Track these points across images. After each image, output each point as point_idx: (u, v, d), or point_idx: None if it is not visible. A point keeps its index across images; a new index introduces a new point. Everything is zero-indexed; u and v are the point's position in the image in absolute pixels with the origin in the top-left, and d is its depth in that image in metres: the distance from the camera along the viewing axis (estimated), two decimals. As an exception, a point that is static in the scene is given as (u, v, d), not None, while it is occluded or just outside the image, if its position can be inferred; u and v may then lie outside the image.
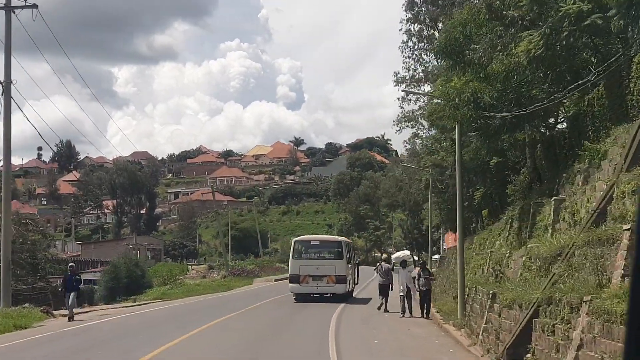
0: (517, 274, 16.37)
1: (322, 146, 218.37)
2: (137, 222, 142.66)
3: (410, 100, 57.30)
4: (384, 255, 39.14)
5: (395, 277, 28.63)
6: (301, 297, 32.08)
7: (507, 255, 18.87)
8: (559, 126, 24.10)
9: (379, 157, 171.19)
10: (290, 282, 33.16)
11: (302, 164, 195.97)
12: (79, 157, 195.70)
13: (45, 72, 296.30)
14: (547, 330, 11.52)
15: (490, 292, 15.82)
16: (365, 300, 33.83)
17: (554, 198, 16.62)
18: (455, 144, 37.53)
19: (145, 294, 44.63)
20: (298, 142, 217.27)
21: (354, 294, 36.22)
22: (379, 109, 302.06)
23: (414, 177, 69.16)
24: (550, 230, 16.35)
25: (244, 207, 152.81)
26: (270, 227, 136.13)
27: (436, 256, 47.64)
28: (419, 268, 25.93)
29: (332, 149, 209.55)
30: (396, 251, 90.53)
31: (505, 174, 29.93)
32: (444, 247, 60.84)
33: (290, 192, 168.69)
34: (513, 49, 18.37)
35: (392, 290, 27.52)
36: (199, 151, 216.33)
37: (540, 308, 12.00)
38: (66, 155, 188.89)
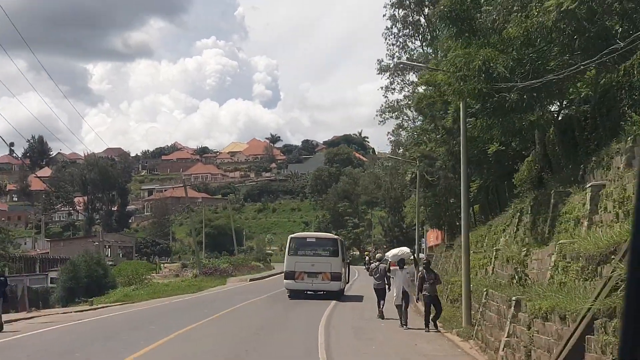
0: (546, 277, 13.42)
1: (299, 144, 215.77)
2: (108, 219, 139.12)
3: (394, 89, 54.79)
4: (378, 254, 36.03)
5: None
6: (295, 294, 32.02)
7: (525, 253, 15.93)
8: (566, 110, 21.33)
9: (356, 155, 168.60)
10: (285, 279, 32.91)
11: (278, 161, 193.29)
12: (52, 153, 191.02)
13: (22, 69, 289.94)
14: (610, 352, 8.68)
15: (513, 298, 12.94)
16: (358, 298, 32.79)
17: (590, 184, 13.65)
18: (446, 134, 34.86)
19: (106, 296, 40.96)
20: (274, 139, 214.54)
21: (344, 292, 35.17)
22: (355, 108, 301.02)
23: (396, 171, 66.43)
24: (586, 223, 13.43)
25: (219, 204, 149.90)
26: (245, 225, 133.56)
27: (422, 255, 44.74)
28: (422, 269, 21.75)
29: (309, 146, 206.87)
30: (375, 249, 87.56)
31: (506, 164, 27.25)
32: (426, 245, 58.10)
33: (266, 189, 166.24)
34: (533, 9, 15.53)
35: (389, 291, 24.16)
36: (174, 148, 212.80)
37: (597, 322, 9.25)
38: (38, 151, 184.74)
